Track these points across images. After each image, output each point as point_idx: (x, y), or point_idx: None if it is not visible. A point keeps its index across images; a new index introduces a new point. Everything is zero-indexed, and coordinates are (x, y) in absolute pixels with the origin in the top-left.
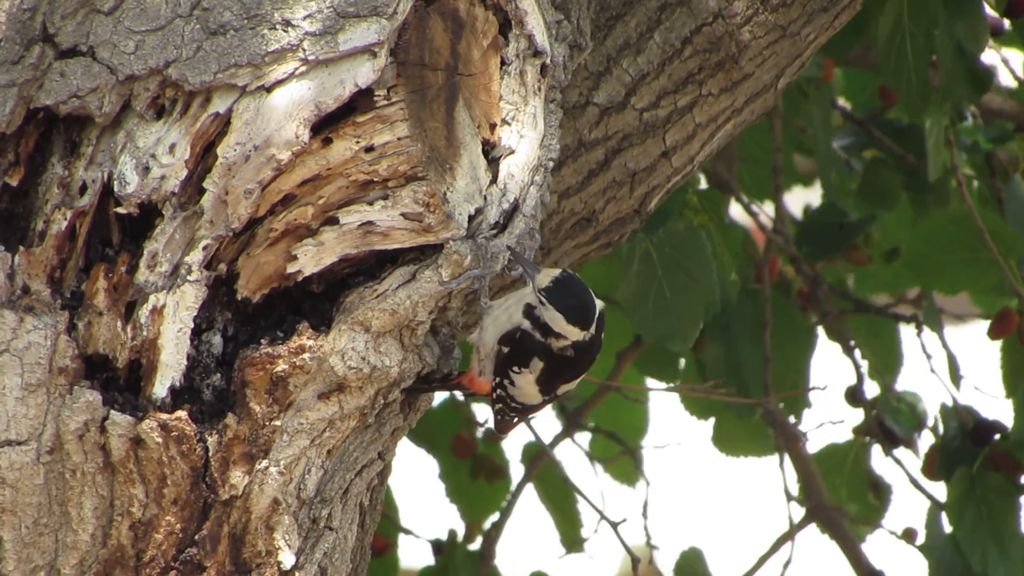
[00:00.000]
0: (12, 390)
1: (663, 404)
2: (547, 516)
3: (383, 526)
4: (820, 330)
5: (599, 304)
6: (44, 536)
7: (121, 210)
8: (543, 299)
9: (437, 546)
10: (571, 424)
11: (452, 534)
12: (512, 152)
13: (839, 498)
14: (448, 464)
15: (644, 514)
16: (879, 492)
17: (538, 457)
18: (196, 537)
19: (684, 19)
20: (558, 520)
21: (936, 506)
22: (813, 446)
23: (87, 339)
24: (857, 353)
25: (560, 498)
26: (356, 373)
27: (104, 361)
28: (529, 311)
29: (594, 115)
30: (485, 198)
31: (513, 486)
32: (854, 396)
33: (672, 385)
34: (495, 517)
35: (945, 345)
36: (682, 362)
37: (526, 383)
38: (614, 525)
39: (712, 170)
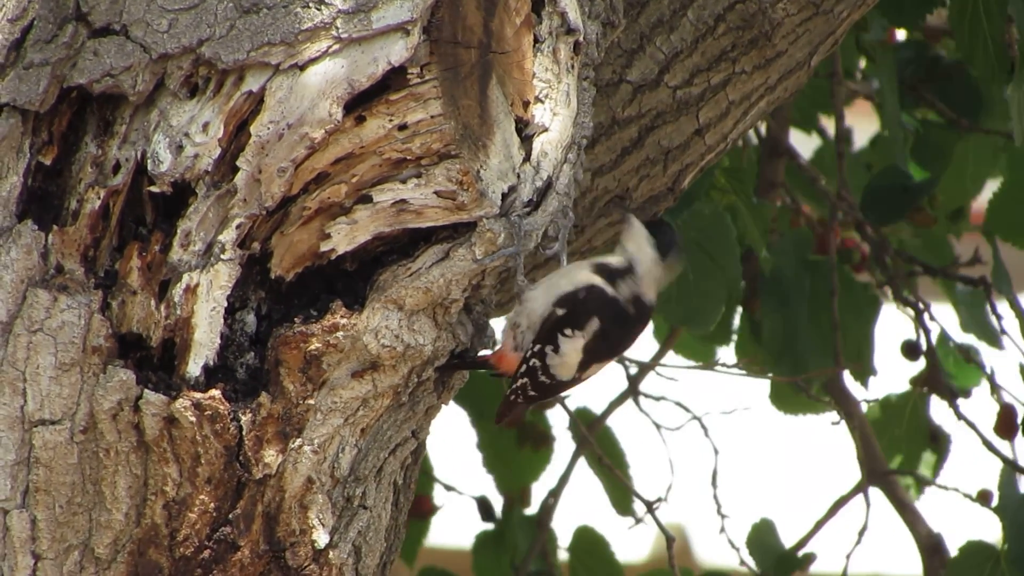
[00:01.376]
0: (46, 369)
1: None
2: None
3: (425, 487)
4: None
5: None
6: (78, 515)
7: (154, 189)
8: (646, 226)
9: (483, 505)
10: (633, 390)
11: (509, 498)
12: (545, 130)
13: (897, 450)
14: (491, 432)
15: (714, 483)
16: (938, 443)
17: (593, 424)
18: (230, 516)
19: None
20: (609, 489)
21: (1010, 467)
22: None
23: (120, 318)
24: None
25: (613, 463)
26: (390, 351)
27: (138, 340)
28: (601, 269)
29: (627, 93)
30: (518, 176)
31: (555, 456)
32: (911, 350)
33: (724, 364)
34: (550, 484)
35: (1016, 305)
36: (736, 322)
37: (572, 350)
38: (649, 505)
39: (769, 135)
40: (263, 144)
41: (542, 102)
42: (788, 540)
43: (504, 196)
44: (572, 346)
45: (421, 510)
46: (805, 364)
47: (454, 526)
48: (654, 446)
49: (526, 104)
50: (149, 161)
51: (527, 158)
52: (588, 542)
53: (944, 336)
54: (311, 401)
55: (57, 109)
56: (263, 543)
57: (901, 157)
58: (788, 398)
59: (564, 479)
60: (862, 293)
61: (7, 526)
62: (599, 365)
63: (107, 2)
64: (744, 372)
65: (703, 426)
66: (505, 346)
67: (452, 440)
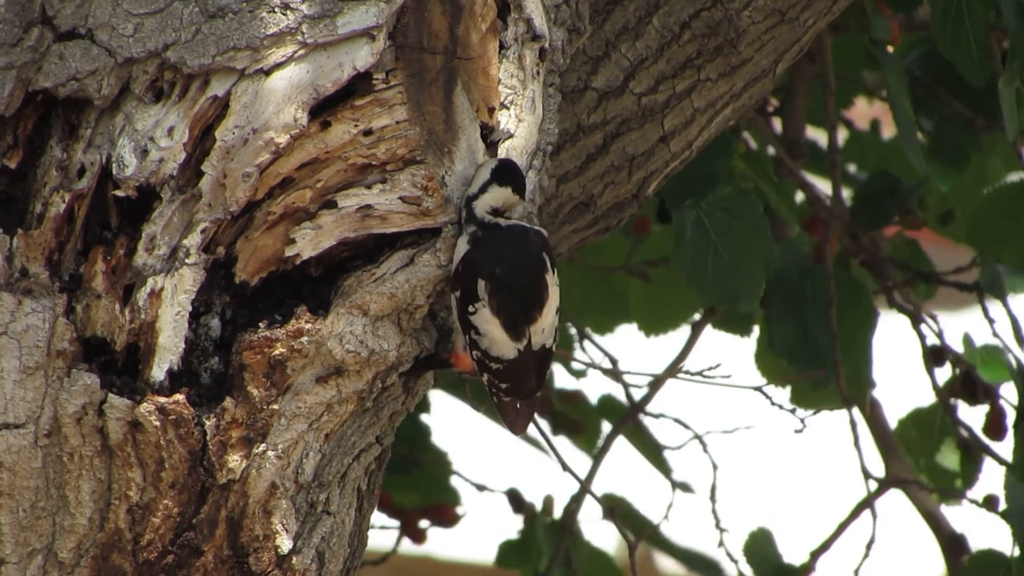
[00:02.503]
0: (10, 373)
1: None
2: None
3: (448, 496)
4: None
5: (538, 231)
6: (42, 519)
7: (119, 193)
8: (487, 172)
9: (514, 497)
10: (635, 410)
11: (530, 507)
12: (510, 136)
13: (923, 465)
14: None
15: (712, 498)
16: (971, 454)
17: (622, 420)
18: (194, 521)
19: (683, 4)
20: (650, 457)
21: (1011, 469)
22: (895, 412)
23: (85, 322)
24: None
25: (649, 449)
26: (354, 357)
27: (102, 344)
28: (466, 230)
29: (592, 100)
30: None
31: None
32: (936, 356)
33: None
34: (573, 489)
35: (1008, 309)
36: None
37: (488, 324)
38: (611, 510)
39: (784, 135)
40: (228, 149)
41: (507, 108)
42: (787, 555)
43: None
44: (483, 317)
45: (444, 518)
46: (821, 362)
47: (478, 539)
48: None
49: (491, 110)
50: (114, 165)
51: None
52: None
53: (967, 339)
54: (275, 406)
55: (22, 113)
56: (227, 548)
57: (916, 156)
58: (808, 394)
59: (588, 481)
60: (862, 300)
61: None
62: (534, 324)
63: (73, 6)
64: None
65: (703, 443)
66: (457, 345)
67: (474, 443)
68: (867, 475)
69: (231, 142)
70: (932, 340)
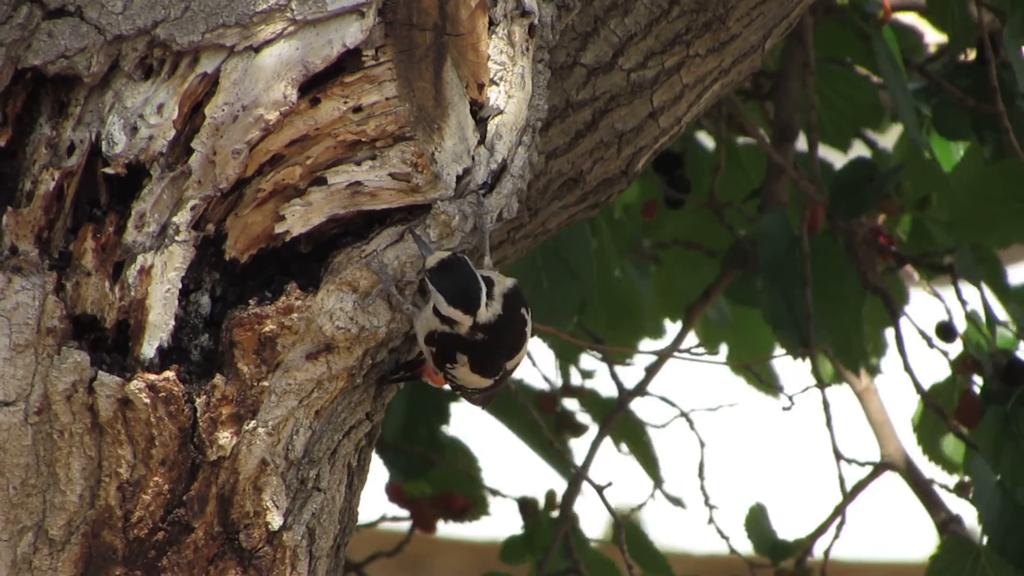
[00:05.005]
0: (0, 350)
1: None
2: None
3: (467, 487)
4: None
5: (505, 284)
6: (32, 497)
7: (109, 170)
8: (427, 280)
9: (524, 505)
10: (628, 395)
11: (532, 502)
12: (500, 112)
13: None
14: (530, 425)
15: (700, 475)
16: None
17: (611, 415)
18: (184, 498)
19: None
20: (642, 461)
21: (973, 451)
22: (906, 390)
23: (75, 299)
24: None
25: (639, 447)
26: (344, 333)
27: (92, 322)
28: (436, 310)
29: (581, 76)
30: (473, 158)
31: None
32: (946, 332)
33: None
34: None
35: (982, 294)
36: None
37: (465, 374)
38: (599, 489)
39: (777, 118)
40: (218, 126)
41: (497, 84)
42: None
43: (459, 178)
44: (462, 372)
45: (454, 509)
46: (807, 334)
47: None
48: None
49: (481, 86)
50: (104, 142)
51: (482, 140)
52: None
53: (972, 317)
54: (265, 383)
55: (11, 90)
56: (217, 525)
57: (915, 134)
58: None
59: (582, 472)
60: (850, 273)
61: None
62: (511, 361)
63: None
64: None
65: (690, 422)
66: (428, 363)
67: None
68: (838, 456)
69: (221, 119)
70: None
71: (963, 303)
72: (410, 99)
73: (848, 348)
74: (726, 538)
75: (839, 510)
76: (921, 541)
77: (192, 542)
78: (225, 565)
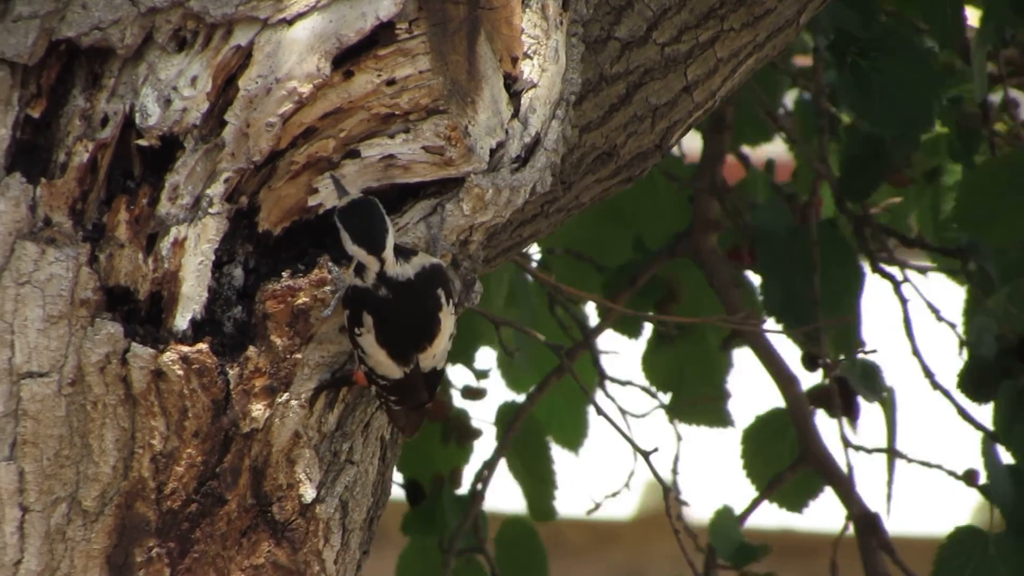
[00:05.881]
0: (34, 322)
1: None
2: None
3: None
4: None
5: (429, 260)
6: (65, 468)
7: (143, 142)
8: (336, 218)
9: (412, 487)
10: (550, 377)
11: (439, 478)
12: (534, 86)
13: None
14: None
15: (674, 470)
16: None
17: (515, 419)
18: (217, 470)
19: None
20: (529, 487)
21: (992, 440)
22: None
23: (108, 271)
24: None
25: (535, 462)
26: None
27: (125, 293)
28: (356, 264)
29: (615, 49)
30: (507, 132)
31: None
32: (810, 360)
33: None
34: (477, 465)
35: (994, 282)
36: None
37: (372, 348)
38: (646, 455)
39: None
40: (251, 98)
41: (530, 58)
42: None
43: (492, 152)
44: (368, 342)
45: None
46: (808, 321)
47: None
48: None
49: (514, 60)
50: (137, 115)
51: (515, 114)
52: (515, 531)
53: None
54: (298, 355)
55: (46, 62)
56: (250, 497)
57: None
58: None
59: (496, 457)
60: (849, 263)
61: None
62: (422, 355)
63: None
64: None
65: (668, 412)
66: (357, 363)
67: None
68: (847, 443)
69: (254, 92)
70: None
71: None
72: (444, 72)
73: (845, 337)
74: (693, 537)
75: (754, 504)
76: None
77: (225, 514)
78: (258, 537)
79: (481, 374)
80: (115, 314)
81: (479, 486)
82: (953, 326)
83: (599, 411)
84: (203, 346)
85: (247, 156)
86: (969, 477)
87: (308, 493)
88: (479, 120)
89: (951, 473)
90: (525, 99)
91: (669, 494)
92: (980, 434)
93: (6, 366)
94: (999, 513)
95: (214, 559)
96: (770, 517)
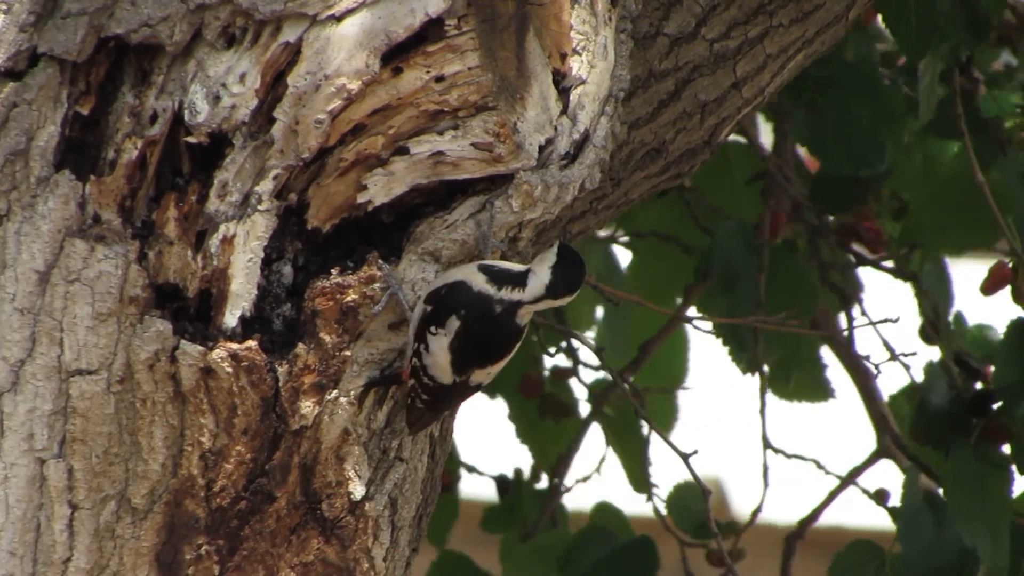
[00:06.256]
0: (83, 319)
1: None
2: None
3: (447, 462)
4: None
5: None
6: (115, 465)
7: (191, 139)
8: (558, 256)
9: (502, 483)
10: (642, 357)
11: (518, 473)
12: (583, 82)
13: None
14: (516, 404)
15: (686, 460)
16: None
17: (603, 395)
18: (266, 467)
19: None
20: (625, 461)
21: (918, 469)
22: (890, 386)
23: (157, 268)
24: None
25: (628, 438)
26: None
27: (174, 291)
28: (487, 268)
29: (664, 46)
30: (555, 128)
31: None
32: (928, 332)
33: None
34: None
35: (936, 308)
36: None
37: (439, 349)
38: (685, 457)
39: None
40: (300, 95)
41: (579, 55)
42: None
43: (541, 148)
44: (439, 344)
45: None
46: (746, 350)
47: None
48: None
49: (563, 56)
50: (186, 111)
51: (564, 111)
52: (607, 518)
53: (959, 318)
54: (347, 352)
55: (94, 59)
56: (299, 494)
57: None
58: (783, 385)
59: (572, 450)
60: (804, 282)
61: (44, 476)
62: (480, 371)
63: None
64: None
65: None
66: (405, 360)
67: (469, 417)
68: (767, 444)
69: (303, 88)
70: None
71: (937, 314)
72: (492, 69)
73: (786, 367)
74: (661, 518)
75: (831, 497)
76: None
77: (274, 511)
78: (307, 535)
79: (599, 348)
80: (164, 311)
81: (555, 480)
82: (908, 367)
83: (638, 414)
84: (252, 343)
85: (296, 153)
86: (880, 496)
87: (357, 490)
88: (528, 117)
89: (864, 491)
90: (574, 95)
91: (709, 496)
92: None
93: (55, 364)
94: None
95: (263, 556)
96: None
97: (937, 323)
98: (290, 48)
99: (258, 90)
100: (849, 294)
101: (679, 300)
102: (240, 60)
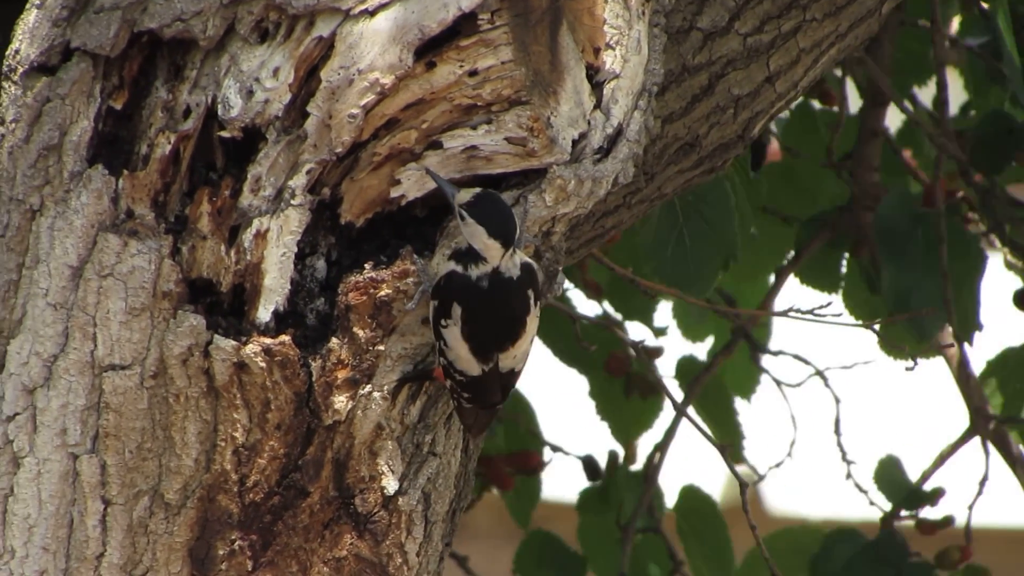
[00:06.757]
0: (116, 314)
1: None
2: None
3: (532, 443)
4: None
5: (525, 257)
6: (148, 461)
7: (225, 134)
8: (463, 213)
9: (589, 464)
10: (736, 338)
11: (613, 455)
12: (616, 77)
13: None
14: (600, 382)
15: (837, 431)
16: None
17: (700, 376)
18: (299, 462)
19: None
20: (719, 435)
21: None
22: (983, 355)
23: (191, 263)
24: None
25: (720, 412)
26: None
27: (208, 285)
28: (455, 252)
29: (698, 40)
30: (589, 123)
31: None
32: (1022, 300)
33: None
34: (657, 438)
35: None
36: (843, 267)
37: (455, 340)
38: (721, 449)
39: (866, 81)
40: (333, 90)
41: (613, 49)
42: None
43: (574, 143)
44: (453, 336)
45: (528, 466)
46: (918, 317)
47: (563, 482)
48: (770, 401)
49: (597, 51)
50: (219, 106)
51: (597, 105)
52: (695, 501)
53: None
54: (381, 347)
55: (127, 54)
56: (332, 489)
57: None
58: (897, 345)
59: (670, 433)
60: (972, 245)
61: (77, 471)
62: (503, 354)
63: None
64: (855, 323)
65: (824, 379)
66: (436, 357)
67: (557, 397)
68: (979, 413)
69: (336, 83)
70: None
71: None
72: (526, 63)
73: (965, 320)
74: (864, 492)
75: (926, 476)
76: None
77: (307, 507)
78: (340, 530)
79: (659, 331)
80: (197, 306)
81: (656, 459)
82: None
83: (676, 407)
84: (286, 338)
85: (329, 147)
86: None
87: (390, 485)
88: (561, 111)
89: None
90: (607, 90)
91: (746, 489)
92: None
93: (88, 359)
94: None
95: (296, 552)
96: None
97: None
98: (323, 43)
99: (291, 85)
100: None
101: (772, 278)
102: (273, 55)
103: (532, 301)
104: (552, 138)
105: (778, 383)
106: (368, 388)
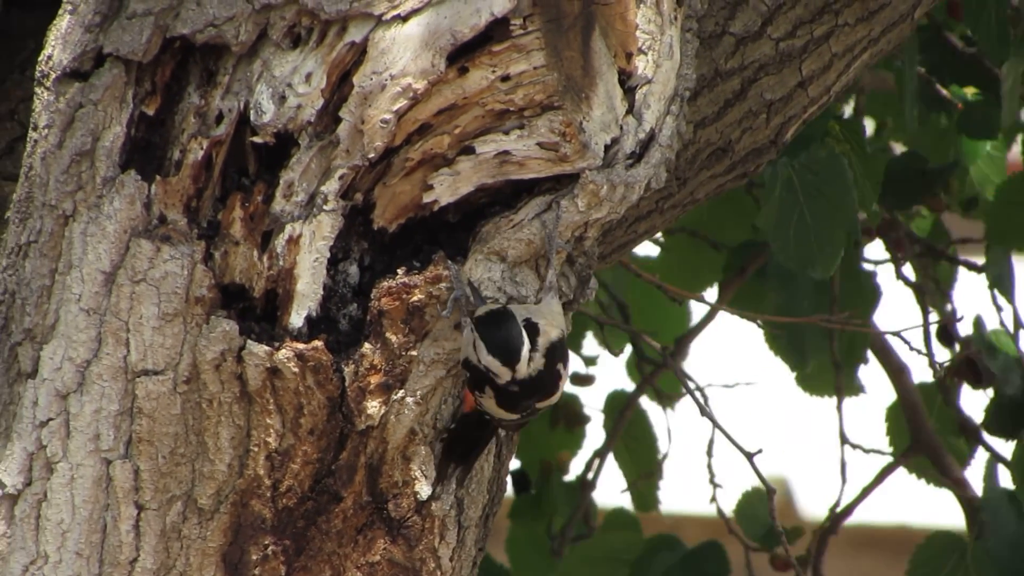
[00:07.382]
0: (149, 320)
1: (740, 342)
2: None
3: None
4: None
5: (550, 336)
6: (181, 466)
7: (257, 139)
8: (473, 328)
9: (518, 478)
10: (652, 376)
11: (547, 465)
12: (648, 82)
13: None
14: None
15: (709, 452)
16: (968, 435)
17: (626, 408)
18: (332, 467)
19: None
20: (633, 476)
21: (995, 460)
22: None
23: (223, 269)
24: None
25: (642, 451)
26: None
27: (240, 291)
28: (466, 362)
29: (730, 45)
30: (621, 128)
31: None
32: (946, 335)
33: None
34: (588, 453)
35: (1012, 302)
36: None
37: (491, 406)
38: (749, 456)
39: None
40: (366, 95)
41: (645, 54)
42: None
43: (607, 148)
44: (490, 405)
45: None
46: (803, 345)
47: None
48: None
49: (629, 56)
50: (252, 111)
51: (630, 110)
52: (620, 525)
53: (978, 322)
54: (414, 352)
55: (160, 59)
56: (366, 494)
57: (912, 130)
58: (815, 380)
59: (607, 445)
60: (866, 281)
61: (110, 476)
62: (541, 403)
63: None
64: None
65: (704, 397)
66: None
67: None
68: (844, 440)
69: (369, 88)
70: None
71: (999, 309)
72: (558, 68)
73: (852, 350)
74: (726, 520)
75: (865, 492)
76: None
77: (341, 512)
78: (374, 535)
79: (590, 361)
80: (230, 312)
81: (590, 475)
82: (978, 351)
83: (704, 412)
84: (318, 343)
85: (362, 153)
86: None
87: (423, 490)
88: (594, 116)
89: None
90: (639, 95)
91: (773, 495)
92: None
93: (121, 364)
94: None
95: (330, 556)
96: (887, 513)
97: (953, 327)
98: (356, 48)
99: (324, 90)
100: (925, 290)
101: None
102: (306, 60)
103: (563, 371)
104: (584, 143)
105: (659, 395)
106: (401, 393)
